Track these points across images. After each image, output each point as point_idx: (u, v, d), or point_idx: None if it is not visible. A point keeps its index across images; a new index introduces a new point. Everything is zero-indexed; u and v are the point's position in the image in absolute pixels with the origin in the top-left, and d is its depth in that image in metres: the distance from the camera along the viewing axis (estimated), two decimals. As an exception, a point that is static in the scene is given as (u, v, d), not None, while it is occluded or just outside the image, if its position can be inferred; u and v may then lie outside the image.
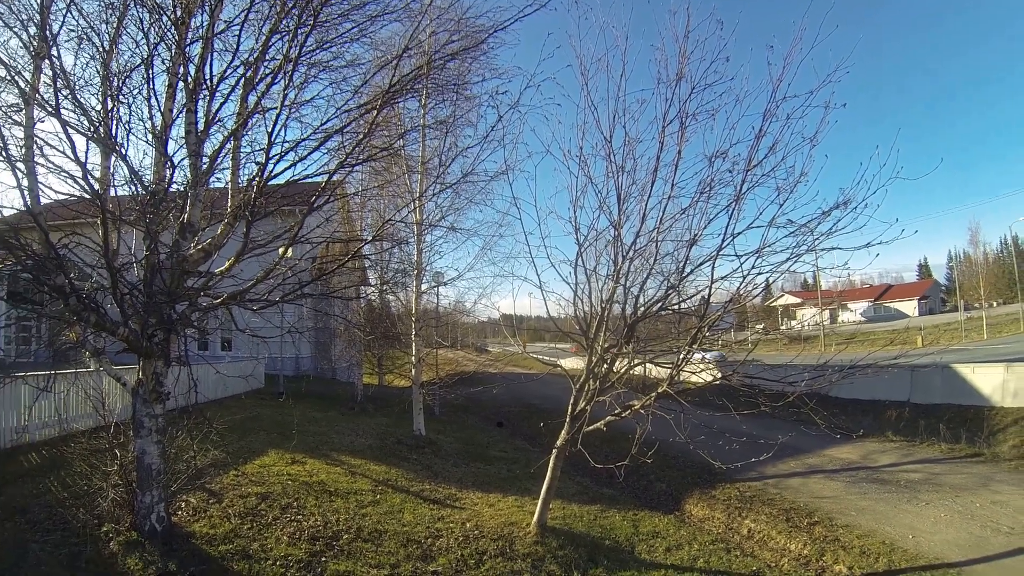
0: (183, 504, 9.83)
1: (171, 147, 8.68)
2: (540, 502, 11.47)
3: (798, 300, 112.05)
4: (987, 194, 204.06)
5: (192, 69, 8.33)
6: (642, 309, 9.95)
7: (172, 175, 8.61)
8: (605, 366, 10.37)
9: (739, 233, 9.20)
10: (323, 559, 8.96)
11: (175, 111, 8.67)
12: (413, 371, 21.91)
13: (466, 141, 17.12)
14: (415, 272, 21.15)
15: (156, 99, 8.48)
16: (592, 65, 9.47)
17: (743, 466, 11.71)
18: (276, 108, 8.01)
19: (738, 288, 9.49)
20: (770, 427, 11.58)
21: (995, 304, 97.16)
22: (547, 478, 11.28)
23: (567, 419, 10.65)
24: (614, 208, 9.76)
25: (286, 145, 8.27)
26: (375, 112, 8.43)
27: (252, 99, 8.33)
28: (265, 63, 8.29)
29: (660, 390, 9.75)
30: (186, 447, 9.65)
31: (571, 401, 10.62)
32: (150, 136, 8.66)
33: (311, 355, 37.78)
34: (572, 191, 9.95)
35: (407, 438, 20.94)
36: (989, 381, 23.50)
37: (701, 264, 9.62)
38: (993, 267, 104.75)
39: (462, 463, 18.91)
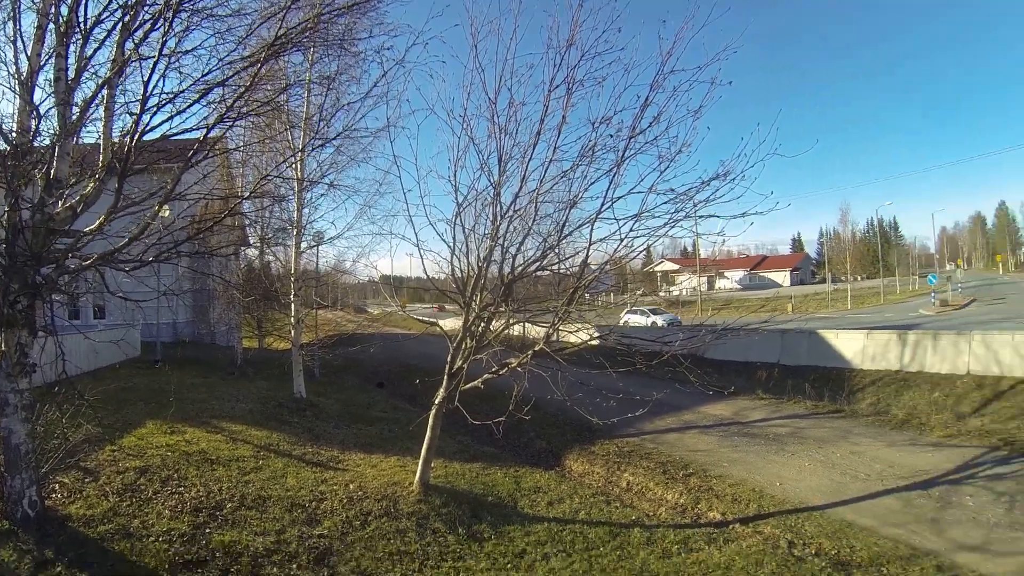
0: (57, 486, 9.34)
1: (38, 95, 8.13)
2: (421, 461, 11.51)
3: (677, 267, 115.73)
4: (859, 179, 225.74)
5: (64, 10, 7.84)
6: (519, 269, 10.06)
7: (38, 125, 8.05)
8: (482, 325, 10.46)
9: (619, 197, 9.46)
10: (207, 530, 8.76)
11: (43, 56, 8.12)
12: (293, 332, 21.56)
13: (350, 98, 16.80)
14: (295, 230, 20.75)
15: (23, 42, 7.92)
16: (483, 27, 9.36)
17: (620, 422, 12.15)
18: (154, 57, 7.57)
19: (615, 250, 9.74)
20: (646, 385, 11.98)
21: (859, 278, 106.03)
22: (427, 436, 11.32)
23: (445, 377, 10.72)
24: (495, 169, 9.78)
25: (164, 96, 7.90)
26: (259, 65, 8.19)
27: (129, 46, 7.86)
28: (145, 7, 7.87)
29: (536, 348, 9.92)
30: (56, 423, 9.04)
31: (448, 359, 10.70)
32: (15, 82, 8.11)
33: (189, 319, 36.61)
34: (454, 151, 9.86)
35: (288, 401, 20.67)
36: (851, 346, 25.70)
37: (580, 226, 9.82)
38: (859, 245, 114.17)
39: (343, 425, 18.79)
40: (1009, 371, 21.13)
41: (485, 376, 10.37)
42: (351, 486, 11.55)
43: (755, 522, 12.03)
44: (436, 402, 11.02)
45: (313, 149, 17.10)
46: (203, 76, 8.21)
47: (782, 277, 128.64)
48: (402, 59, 9.49)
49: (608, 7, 8.85)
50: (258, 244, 25.35)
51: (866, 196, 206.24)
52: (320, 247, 23.52)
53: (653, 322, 44.86)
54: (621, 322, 41.87)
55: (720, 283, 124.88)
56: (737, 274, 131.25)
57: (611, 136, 9.34)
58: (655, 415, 18.60)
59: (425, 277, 10.47)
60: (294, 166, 18.57)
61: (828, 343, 26.74)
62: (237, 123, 9.93)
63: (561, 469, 16.00)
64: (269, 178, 13.75)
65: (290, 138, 18.38)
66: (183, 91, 8.03)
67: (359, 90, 16.98)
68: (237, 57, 8.68)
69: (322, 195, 20.09)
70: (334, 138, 13.00)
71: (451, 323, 18.78)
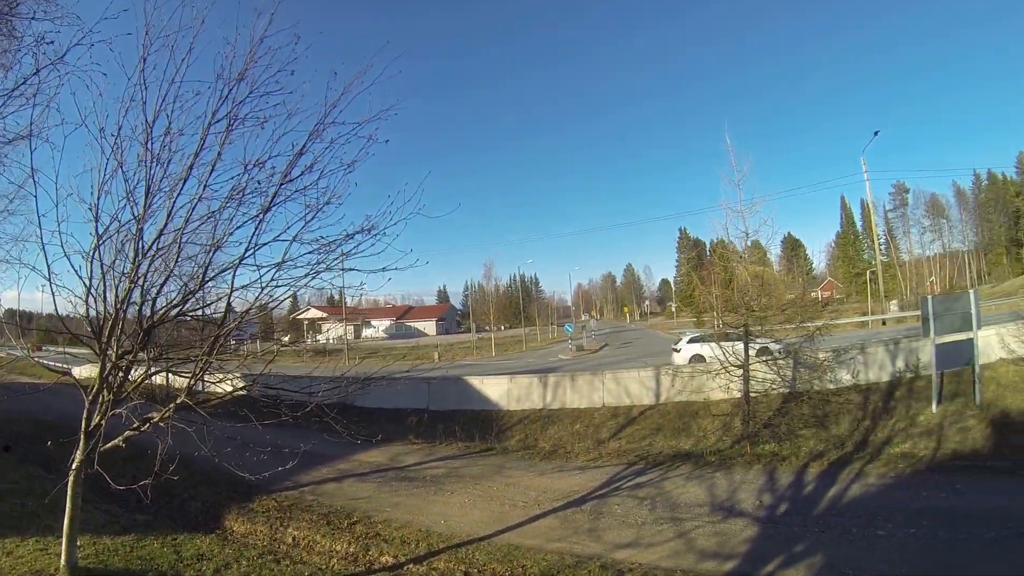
0: None
1: None
2: (65, 540, 9.99)
3: (324, 315, 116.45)
4: (501, 241, 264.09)
5: None
6: (160, 313, 9.37)
7: None
8: (120, 374, 9.56)
9: (264, 244, 9.11)
10: None
11: None
12: None
13: None
14: None
15: None
16: (157, 39, 8.58)
17: (277, 476, 11.82)
18: None
19: (256, 298, 9.39)
20: (296, 436, 11.57)
21: (503, 327, 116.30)
22: (67, 508, 9.87)
23: (81, 436, 9.57)
24: (141, 200, 8.92)
25: None
26: None
27: None
28: None
29: (178, 400, 9.18)
30: None
31: (85, 415, 9.55)
32: None
33: None
34: (100, 173, 8.80)
35: None
36: (496, 390, 27.63)
37: (223, 271, 9.29)
38: (502, 298, 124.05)
39: None
40: (638, 400, 24.27)
41: (126, 433, 9.36)
42: (-16, 584, 9.72)
43: (428, 559, 12.23)
44: (73, 467, 9.78)
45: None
46: None
47: (430, 326, 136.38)
48: (61, 58, 8.39)
49: (287, 48, 8.62)
50: None
51: (510, 254, 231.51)
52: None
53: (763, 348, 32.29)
54: (686, 355, 34.83)
55: (367, 331, 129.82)
56: (384, 323, 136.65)
57: (260, 182, 9.05)
58: (310, 466, 18.43)
59: (57, 316, 9.28)
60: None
61: (475, 388, 28.34)
62: None
63: (222, 531, 14.83)
64: None
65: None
66: None
67: (3, 80, 14.55)
68: None
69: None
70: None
71: (87, 371, 16.78)
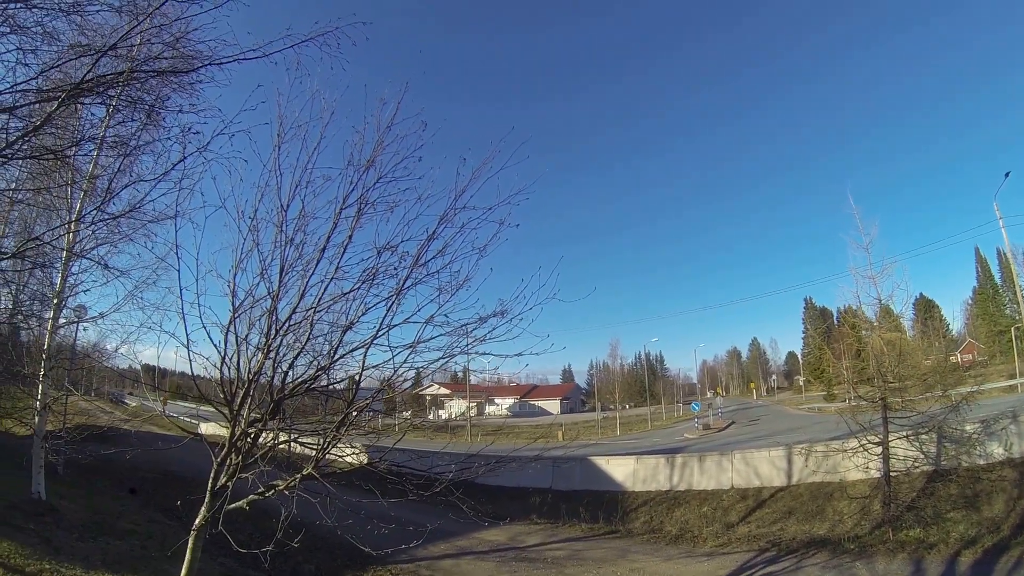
0: None
1: None
2: None
3: (448, 391, 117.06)
4: (628, 316, 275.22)
5: None
6: (291, 386, 9.53)
7: None
8: (249, 440, 9.73)
9: (396, 325, 9.06)
10: None
11: None
12: (37, 419, 18.46)
13: (142, 171, 15.02)
14: (55, 300, 18.02)
15: None
16: (290, 130, 8.96)
17: (394, 550, 11.63)
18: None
19: (388, 379, 9.50)
20: (419, 511, 11.46)
21: (628, 406, 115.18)
22: (187, 561, 10.19)
23: (207, 495, 9.78)
24: (275, 278, 9.19)
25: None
26: (58, 103, 7.31)
27: None
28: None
29: (305, 472, 9.31)
30: None
31: (212, 475, 9.76)
32: None
33: None
34: (237, 252, 9.18)
35: (23, 502, 17.19)
36: (622, 470, 26.99)
37: (354, 350, 9.39)
38: (628, 377, 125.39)
39: (89, 536, 15.67)
40: (768, 482, 23.06)
41: (251, 497, 9.50)
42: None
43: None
44: (197, 525, 9.96)
45: (93, 222, 15.29)
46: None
47: (553, 405, 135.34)
48: (205, 146, 8.84)
49: (414, 135, 8.71)
50: (11, 309, 21.61)
51: (635, 333, 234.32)
52: (79, 324, 20.60)
53: None
54: None
55: (490, 409, 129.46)
56: (508, 401, 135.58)
57: (392, 266, 9.14)
58: (428, 541, 17.96)
59: (192, 376, 9.62)
60: (67, 232, 15.95)
61: (600, 468, 27.81)
62: (11, 162, 8.80)
63: (333, 598, 14.67)
64: (40, 243, 12.27)
65: (68, 196, 16.70)
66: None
67: (154, 165, 15.61)
68: (33, 88, 7.74)
69: (89, 270, 17.84)
70: (118, 216, 11.76)
71: (212, 429, 17.37)
